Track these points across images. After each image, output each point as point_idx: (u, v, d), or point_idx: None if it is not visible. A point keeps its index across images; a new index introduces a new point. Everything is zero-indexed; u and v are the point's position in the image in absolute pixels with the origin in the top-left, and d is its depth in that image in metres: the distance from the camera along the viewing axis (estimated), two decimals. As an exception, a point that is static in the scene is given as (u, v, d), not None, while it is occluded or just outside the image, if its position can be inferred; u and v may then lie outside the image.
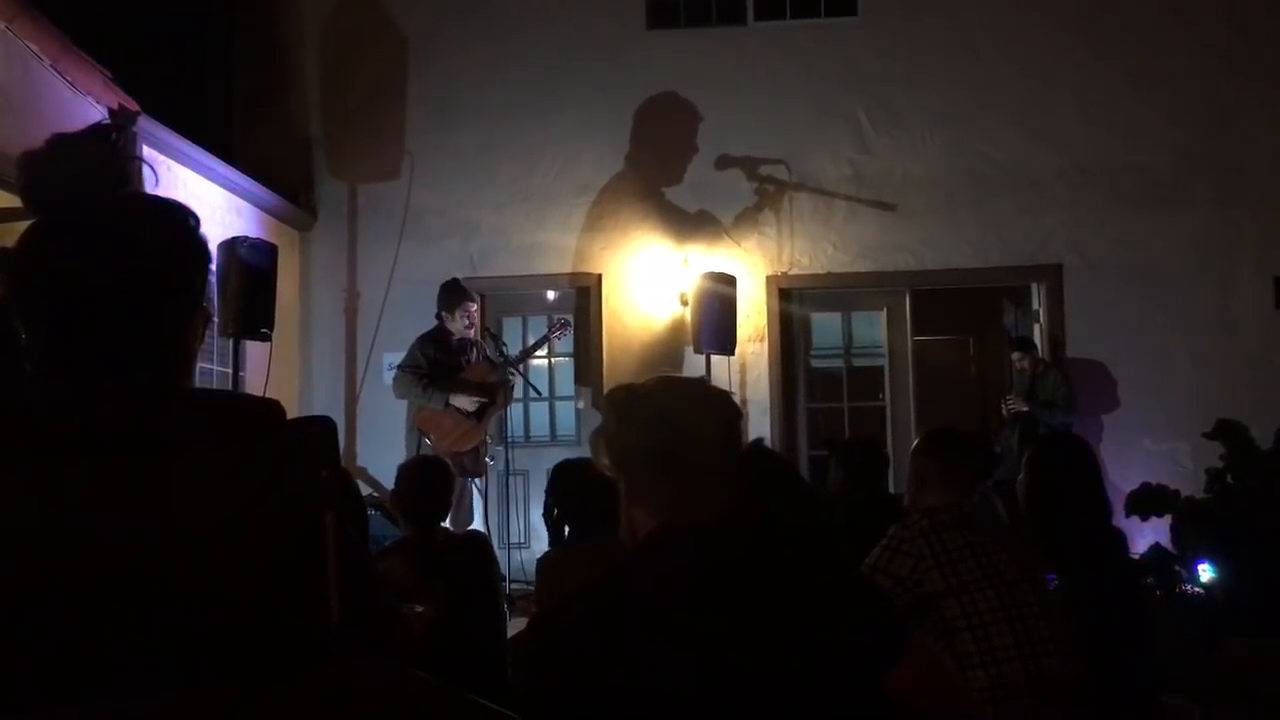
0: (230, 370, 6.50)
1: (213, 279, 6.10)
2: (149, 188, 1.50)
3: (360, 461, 8.16)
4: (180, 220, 1.35)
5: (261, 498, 1.21)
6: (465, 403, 6.58)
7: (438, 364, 6.70)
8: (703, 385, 1.81)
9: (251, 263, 6.20)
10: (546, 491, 3.84)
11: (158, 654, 1.14)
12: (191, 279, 1.35)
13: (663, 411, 1.70)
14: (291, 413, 1.33)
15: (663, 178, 8.40)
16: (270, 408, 1.30)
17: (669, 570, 1.60)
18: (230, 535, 1.18)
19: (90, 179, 1.28)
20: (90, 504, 1.16)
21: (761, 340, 8.28)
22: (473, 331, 6.87)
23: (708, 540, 1.64)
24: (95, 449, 1.19)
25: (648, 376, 1.81)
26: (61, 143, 1.29)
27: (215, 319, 6.16)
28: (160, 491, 1.18)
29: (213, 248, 6.39)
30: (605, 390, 7.86)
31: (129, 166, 1.32)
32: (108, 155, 1.31)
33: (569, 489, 3.62)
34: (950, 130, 8.23)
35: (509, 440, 7.23)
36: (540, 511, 7.72)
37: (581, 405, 8.52)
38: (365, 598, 1.31)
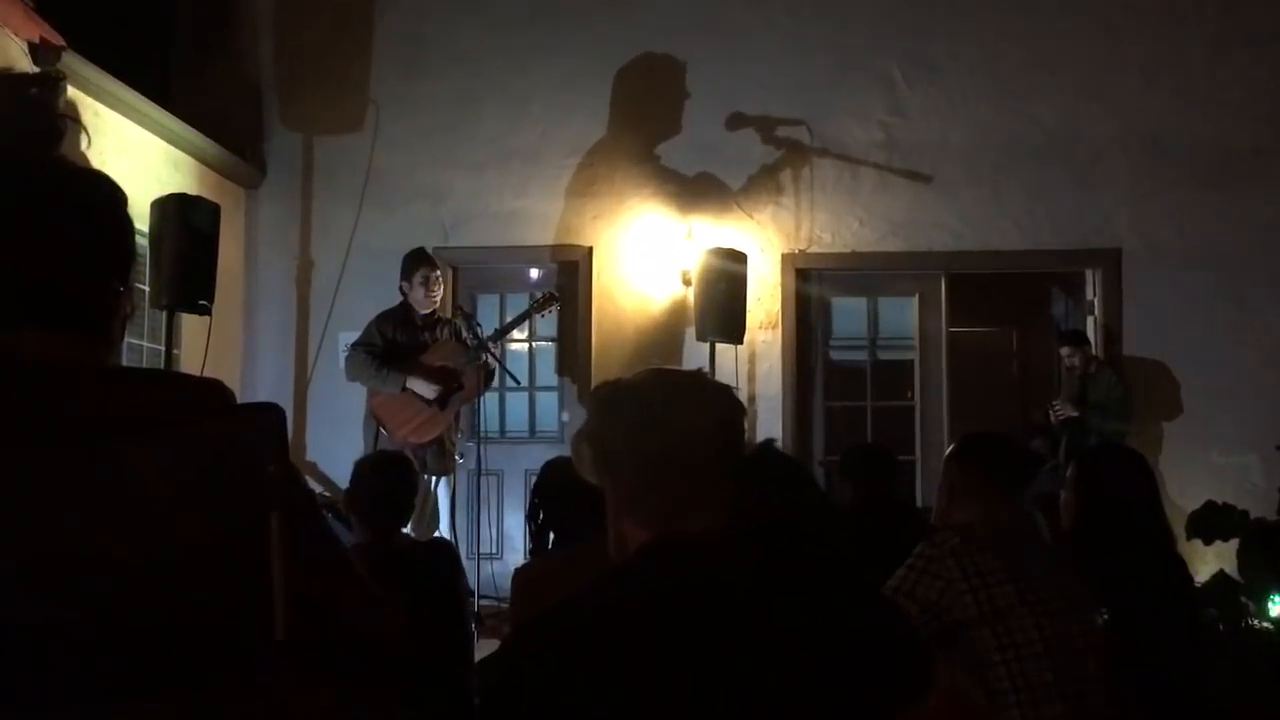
0: (163, 347, 6.49)
1: (143, 243, 6.09)
2: (80, 148, 1.52)
3: (310, 455, 8.16)
4: (102, 191, 1.38)
5: (196, 495, 1.21)
6: (424, 387, 6.59)
7: (398, 344, 6.72)
8: (699, 378, 1.82)
9: (190, 224, 6.19)
10: (532, 493, 3.84)
11: (67, 666, 1.15)
12: (114, 253, 1.36)
13: (653, 409, 1.71)
14: (232, 398, 1.33)
15: (664, 138, 8.39)
16: (211, 389, 1.30)
17: (661, 584, 1.61)
18: (158, 536, 1.19)
19: (11, 138, 1.29)
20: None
21: (774, 327, 8.28)
22: (436, 300, 6.88)
23: (706, 553, 1.64)
24: (6, 436, 1.19)
25: (641, 366, 1.82)
26: None
27: (145, 288, 6.14)
28: (80, 483, 1.18)
29: (146, 206, 6.36)
30: (592, 382, 7.92)
31: (58, 124, 1.33)
32: (34, 110, 1.32)
33: (559, 491, 3.62)
34: (996, 91, 8.22)
35: (481, 435, 7.23)
36: (516, 517, 7.66)
37: (565, 418, 8.51)
38: (327, 605, 1.31)
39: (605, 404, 1.76)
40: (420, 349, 6.77)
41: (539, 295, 7.23)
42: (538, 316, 7.27)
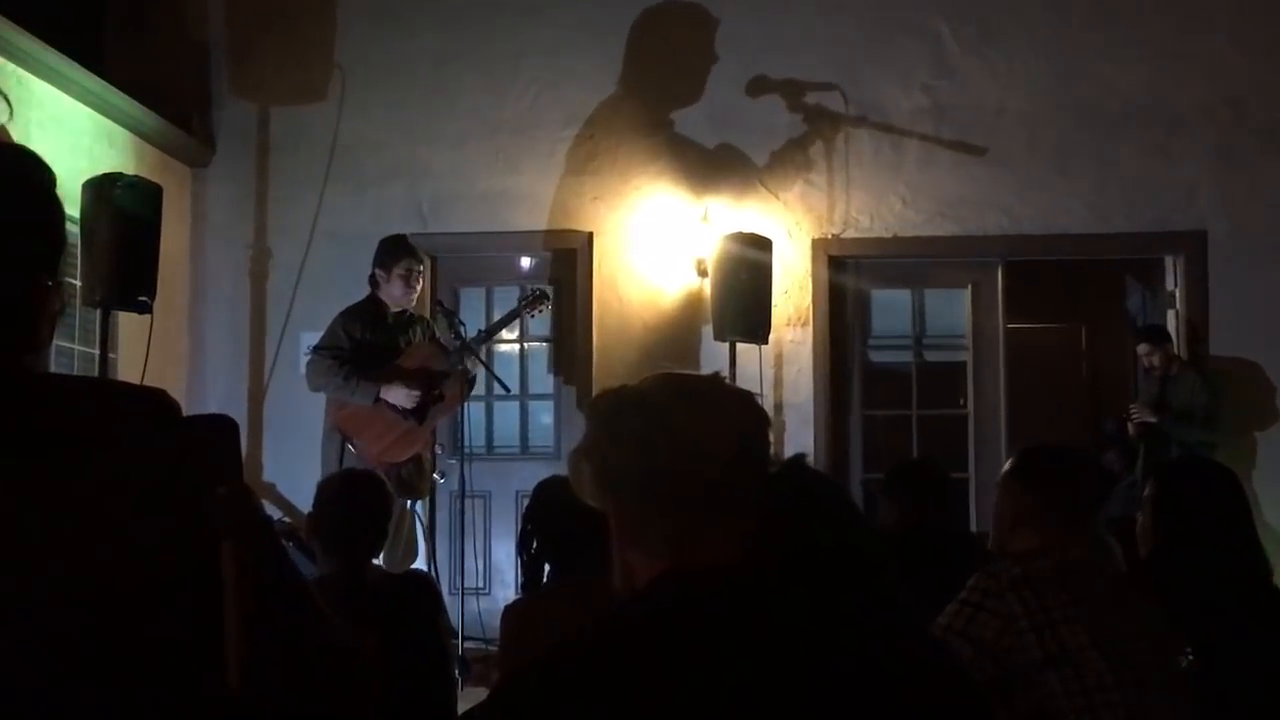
0: (96, 351, 6.50)
1: (74, 230, 6.10)
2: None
3: (267, 475, 8.17)
4: (26, 169, 1.38)
5: (135, 523, 1.21)
6: (401, 397, 6.57)
7: (368, 345, 6.68)
8: (716, 383, 1.82)
9: (127, 209, 6.19)
10: (524, 518, 3.85)
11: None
12: (41, 242, 1.37)
13: (662, 420, 1.70)
14: (178, 409, 1.33)
15: (676, 106, 8.39)
16: (154, 400, 1.31)
17: (673, 623, 1.61)
18: (89, 571, 1.18)
19: None
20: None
21: (804, 325, 8.28)
22: (414, 299, 6.86)
23: (725, 587, 1.64)
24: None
25: (649, 370, 1.82)
26: None
27: (75, 282, 6.15)
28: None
29: (77, 188, 6.36)
30: (593, 388, 7.91)
31: None
32: None
33: (555, 516, 3.62)
34: (1060, 50, 8.21)
35: (465, 451, 7.23)
36: (506, 546, 7.67)
37: (546, 422, 8.51)
38: (287, 649, 1.32)
39: (607, 415, 1.76)
40: (393, 351, 6.73)
41: (527, 292, 7.22)
42: (529, 315, 7.26)
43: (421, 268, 6.93)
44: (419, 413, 6.63)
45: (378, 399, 6.56)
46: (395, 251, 6.81)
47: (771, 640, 1.61)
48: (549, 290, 7.42)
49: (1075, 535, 3.11)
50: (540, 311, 7.25)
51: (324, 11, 8.58)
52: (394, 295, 6.77)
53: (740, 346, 7.69)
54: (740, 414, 1.75)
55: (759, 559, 1.68)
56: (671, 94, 8.41)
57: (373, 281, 6.83)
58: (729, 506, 1.68)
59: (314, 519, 3.96)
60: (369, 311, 6.79)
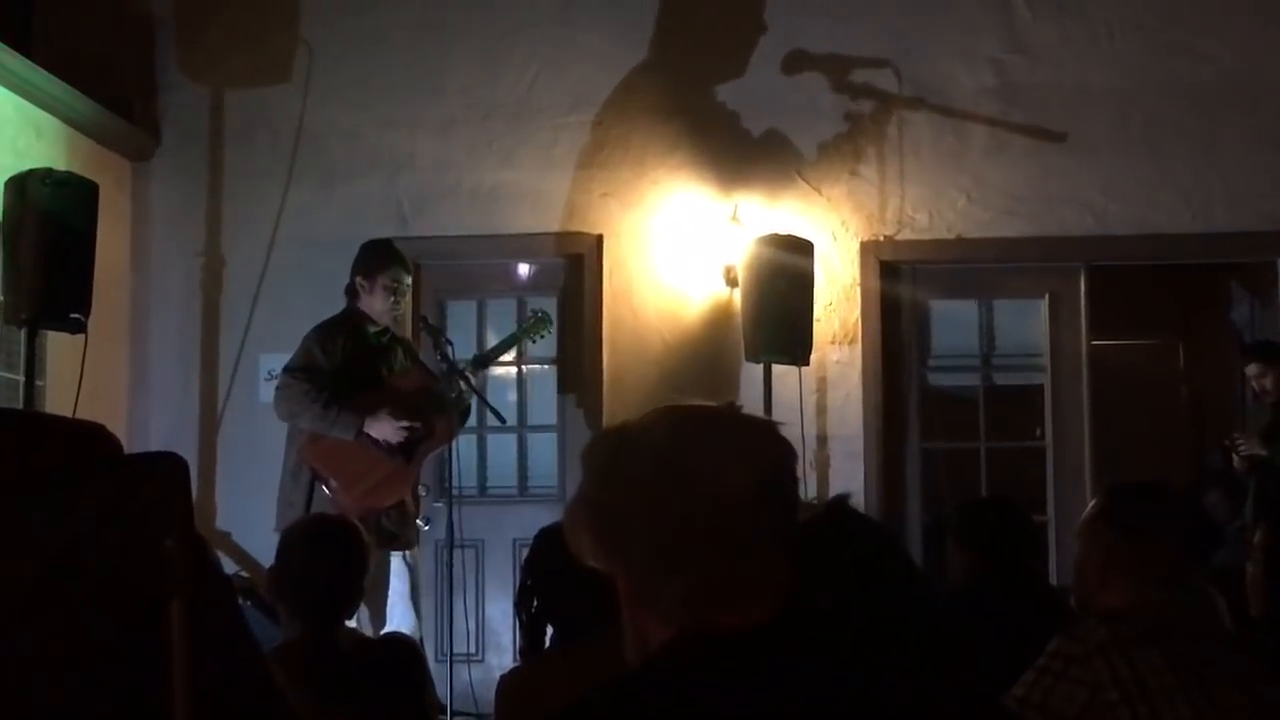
0: (21, 377, 6.51)
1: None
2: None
3: (221, 523, 8.17)
4: None
5: (69, 580, 1.22)
6: (389, 430, 6.52)
7: (349, 367, 6.63)
8: (729, 415, 1.80)
9: (57, 210, 6.21)
10: (522, 572, 3.85)
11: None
12: None
13: (667, 462, 1.70)
14: (119, 445, 1.34)
15: (701, 86, 8.40)
16: (89, 436, 1.31)
17: (689, 698, 1.61)
18: (15, 637, 1.19)
19: None
20: None
21: (852, 343, 8.27)
22: (398, 315, 6.85)
23: (752, 655, 1.64)
24: None
25: (672, 397, 1.81)
26: None
27: None
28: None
29: (-2, 186, 6.35)
30: (605, 417, 7.91)
31: None
32: None
33: (559, 568, 3.63)
34: (1151, 17, 8.21)
35: (454, 493, 7.22)
36: (502, 604, 7.69)
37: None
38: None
39: (605, 460, 1.75)
40: (375, 374, 6.68)
41: (529, 315, 7.23)
42: (530, 339, 7.27)
43: (409, 281, 6.91)
44: (407, 450, 6.59)
45: (360, 432, 6.53)
46: (382, 258, 6.77)
47: (806, 717, 1.61)
48: (548, 313, 7.39)
49: (1173, 589, 3.10)
50: (543, 336, 7.26)
51: (287, -22, 8.63)
52: (377, 308, 6.71)
53: (777, 369, 7.68)
54: (759, 448, 1.74)
55: (793, 619, 1.68)
56: (697, 71, 8.41)
57: (351, 291, 6.80)
58: (753, 558, 1.67)
59: (277, 573, 3.96)
60: (351, 326, 6.73)
